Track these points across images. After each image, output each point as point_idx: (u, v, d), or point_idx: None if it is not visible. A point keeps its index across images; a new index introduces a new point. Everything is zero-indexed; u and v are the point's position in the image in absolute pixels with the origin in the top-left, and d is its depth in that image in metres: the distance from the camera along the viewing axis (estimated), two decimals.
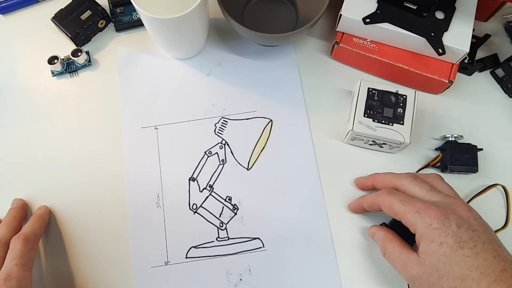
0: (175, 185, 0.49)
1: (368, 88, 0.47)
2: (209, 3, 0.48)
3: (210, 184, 0.49)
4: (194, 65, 0.54)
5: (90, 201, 0.48)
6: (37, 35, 0.55)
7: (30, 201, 0.48)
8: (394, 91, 0.47)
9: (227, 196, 0.48)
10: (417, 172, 0.49)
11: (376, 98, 0.47)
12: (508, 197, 0.48)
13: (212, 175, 0.49)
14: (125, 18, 0.55)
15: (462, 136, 0.49)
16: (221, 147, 0.50)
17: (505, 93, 0.53)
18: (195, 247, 0.46)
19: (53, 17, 0.54)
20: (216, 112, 0.52)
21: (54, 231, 0.47)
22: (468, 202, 0.47)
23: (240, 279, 0.45)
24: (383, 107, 0.47)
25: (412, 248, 0.39)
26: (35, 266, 0.44)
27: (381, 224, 0.46)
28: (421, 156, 0.50)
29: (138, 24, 0.55)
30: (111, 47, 0.55)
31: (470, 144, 0.48)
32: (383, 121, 0.46)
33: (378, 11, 0.48)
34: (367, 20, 0.48)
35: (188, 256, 0.46)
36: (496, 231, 0.46)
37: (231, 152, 0.50)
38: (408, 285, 0.45)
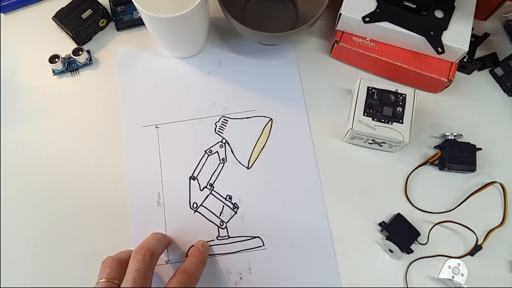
0: (175, 184, 0.49)
1: (368, 87, 0.48)
2: (210, 2, 0.48)
3: (210, 183, 0.49)
4: (195, 64, 0.54)
5: (91, 200, 0.48)
6: (38, 34, 0.55)
7: (30, 201, 0.48)
8: (394, 90, 0.47)
9: (227, 195, 0.49)
10: (415, 169, 0.49)
11: (375, 97, 0.47)
12: (506, 194, 0.48)
13: (213, 174, 0.49)
14: (126, 17, 0.55)
15: (461, 135, 0.49)
16: (221, 146, 0.50)
17: (504, 91, 0.53)
18: None
19: (54, 16, 0.54)
20: (217, 111, 0.52)
21: (54, 229, 0.47)
22: (466, 199, 0.48)
23: (241, 278, 0.46)
24: (383, 106, 0.47)
25: None
26: (34, 263, 0.45)
27: (380, 223, 0.47)
28: (421, 155, 0.50)
29: (138, 23, 0.55)
30: (112, 46, 0.55)
31: (469, 143, 0.48)
32: (383, 120, 0.46)
33: (377, 10, 0.48)
34: (367, 19, 0.48)
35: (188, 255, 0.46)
36: (493, 228, 0.47)
37: (231, 151, 0.50)
38: (406, 282, 0.45)
